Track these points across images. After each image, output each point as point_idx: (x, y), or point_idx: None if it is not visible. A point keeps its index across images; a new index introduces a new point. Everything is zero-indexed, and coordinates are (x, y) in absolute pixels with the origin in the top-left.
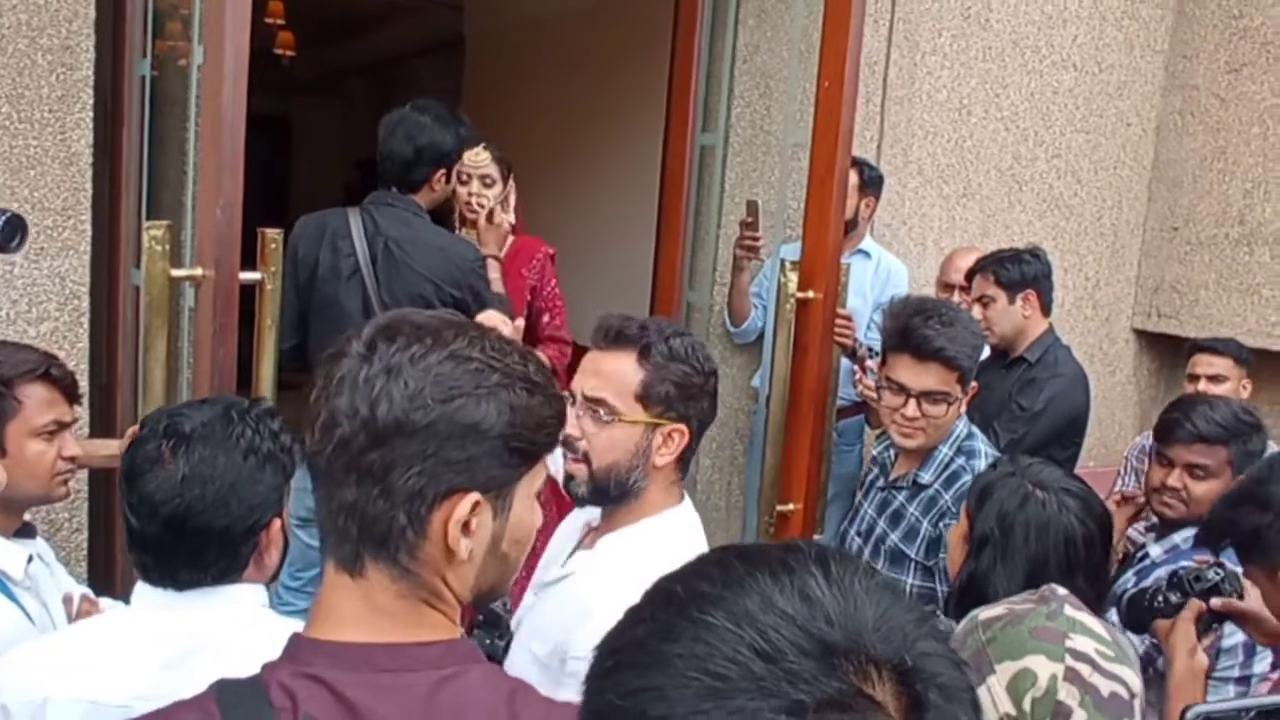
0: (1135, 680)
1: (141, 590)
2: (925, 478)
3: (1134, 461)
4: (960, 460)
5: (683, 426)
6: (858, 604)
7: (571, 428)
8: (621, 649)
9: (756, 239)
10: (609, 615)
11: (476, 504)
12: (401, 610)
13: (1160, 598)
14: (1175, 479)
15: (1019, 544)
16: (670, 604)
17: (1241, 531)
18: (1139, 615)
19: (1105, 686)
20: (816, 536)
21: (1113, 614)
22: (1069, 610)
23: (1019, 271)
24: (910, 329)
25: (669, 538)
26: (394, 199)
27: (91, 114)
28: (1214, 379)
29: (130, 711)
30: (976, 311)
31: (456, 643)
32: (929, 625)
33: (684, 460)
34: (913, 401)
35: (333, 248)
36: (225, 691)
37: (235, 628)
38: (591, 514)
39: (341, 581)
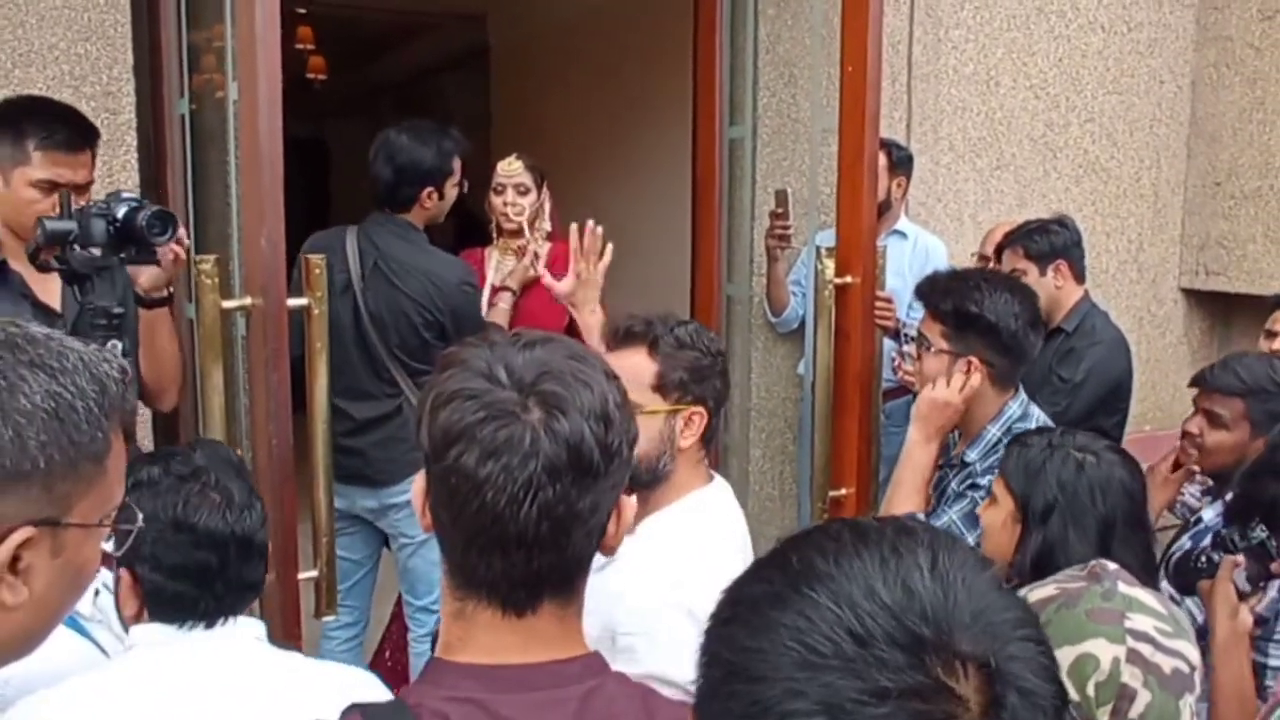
0: (1194, 653)
1: None
2: (970, 456)
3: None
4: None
5: (700, 408)
6: (956, 600)
7: None
8: (740, 603)
9: (787, 228)
10: (641, 595)
11: None
12: (558, 633)
13: (1204, 558)
14: (1195, 424)
15: (1086, 505)
16: (786, 571)
17: (1263, 503)
18: (1185, 577)
19: (1167, 664)
20: None
21: (1164, 583)
22: (1123, 587)
23: (1047, 243)
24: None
25: (702, 519)
26: (388, 220)
27: (136, 155)
28: None
29: None
30: None
31: (590, 656)
32: (1028, 628)
33: (705, 440)
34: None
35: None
36: (372, 713)
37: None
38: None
39: (506, 624)
